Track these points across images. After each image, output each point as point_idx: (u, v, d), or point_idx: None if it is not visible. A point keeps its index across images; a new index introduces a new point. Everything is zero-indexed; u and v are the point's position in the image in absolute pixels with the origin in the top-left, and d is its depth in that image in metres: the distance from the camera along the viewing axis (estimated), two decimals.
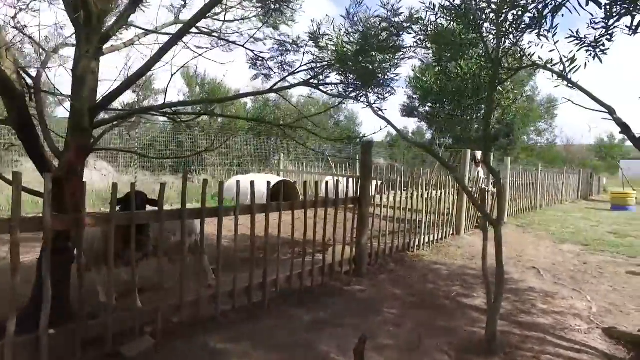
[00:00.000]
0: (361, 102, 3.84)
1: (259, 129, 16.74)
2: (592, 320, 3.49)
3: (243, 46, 3.55)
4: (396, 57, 4.11)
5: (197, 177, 15.00)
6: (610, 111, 3.71)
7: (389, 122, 3.68)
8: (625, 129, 3.52)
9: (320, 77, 3.72)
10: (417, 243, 5.91)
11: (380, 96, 4.00)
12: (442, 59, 4.64)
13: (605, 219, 10.15)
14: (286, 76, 3.91)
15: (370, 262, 5.01)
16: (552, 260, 5.61)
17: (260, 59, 3.67)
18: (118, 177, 12.29)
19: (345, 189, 4.52)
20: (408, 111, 20.11)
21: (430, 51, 4.75)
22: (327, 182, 10.37)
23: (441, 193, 6.60)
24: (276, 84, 3.59)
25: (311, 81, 3.60)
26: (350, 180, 4.66)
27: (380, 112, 4.43)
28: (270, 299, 3.73)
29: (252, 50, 3.62)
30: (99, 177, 12.84)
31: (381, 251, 5.22)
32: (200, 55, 3.70)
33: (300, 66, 3.55)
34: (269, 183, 3.92)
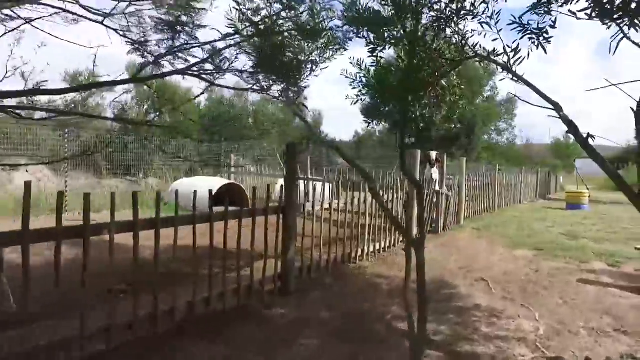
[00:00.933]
0: (270, 94, 3.23)
1: (213, 129, 15.91)
2: (538, 346, 3.04)
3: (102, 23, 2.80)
4: (319, 43, 3.58)
5: (144, 181, 14.01)
6: (557, 108, 3.30)
7: (302, 119, 3.10)
8: (571, 127, 3.13)
9: (223, 64, 3.08)
10: (359, 253, 5.38)
11: (295, 88, 3.44)
12: (377, 48, 4.10)
13: (560, 220, 10.08)
14: (193, 65, 3.25)
15: (302, 277, 4.43)
16: (503, 269, 5.22)
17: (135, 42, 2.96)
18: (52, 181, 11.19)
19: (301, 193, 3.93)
20: (369, 111, 19.76)
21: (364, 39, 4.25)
22: (282, 186, 9.72)
23: (392, 197, 6.13)
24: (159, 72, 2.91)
25: (205, 68, 2.94)
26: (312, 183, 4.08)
27: (298, 109, 3.86)
28: (166, 331, 3.07)
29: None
30: (35, 181, 11.69)
31: (316, 264, 4.64)
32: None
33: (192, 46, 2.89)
34: (210, 192, 3.54)
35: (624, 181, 2.67)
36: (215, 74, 2.95)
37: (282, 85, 3.64)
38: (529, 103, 3.87)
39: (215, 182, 9.67)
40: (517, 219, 9.96)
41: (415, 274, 2.58)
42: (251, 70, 3.09)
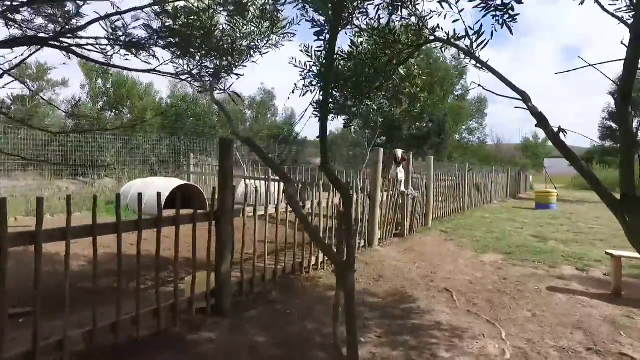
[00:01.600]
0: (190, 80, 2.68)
1: (175, 127, 15.04)
2: None
3: None
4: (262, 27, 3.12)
5: (98, 182, 13.06)
6: (525, 98, 2.88)
7: (222, 108, 2.56)
8: (540, 119, 2.72)
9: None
10: (313, 262, 4.86)
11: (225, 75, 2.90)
12: (323, 31, 3.59)
13: (530, 220, 9.91)
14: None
15: (242, 293, 3.87)
16: (470, 277, 4.83)
17: None
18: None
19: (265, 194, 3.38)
20: (339, 108, 19.33)
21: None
22: (246, 186, 9.16)
23: (355, 197, 5.64)
24: None
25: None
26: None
27: (234, 98, 3.33)
28: None
29: None
30: None
31: (260, 277, 4.09)
32: None
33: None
34: (159, 194, 3.13)
35: (596, 179, 2.28)
36: (109, 49, 2.34)
37: (206, 70, 3.08)
38: (494, 93, 3.42)
39: (170, 184, 8.95)
40: (486, 220, 9.72)
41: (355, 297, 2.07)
42: (161, 45, 2.50)
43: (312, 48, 3.97)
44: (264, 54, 3.94)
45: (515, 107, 3.06)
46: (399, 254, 5.87)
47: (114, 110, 14.76)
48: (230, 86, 3.42)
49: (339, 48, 4.15)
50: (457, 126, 16.58)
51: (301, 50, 4.14)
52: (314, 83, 4.17)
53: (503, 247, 6.47)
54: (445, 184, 9.72)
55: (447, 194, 9.94)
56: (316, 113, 4.38)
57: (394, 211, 6.76)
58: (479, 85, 3.56)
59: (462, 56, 3.68)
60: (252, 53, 3.66)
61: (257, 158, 13.71)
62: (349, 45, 3.95)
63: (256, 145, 2.50)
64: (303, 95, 4.20)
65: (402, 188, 7.01)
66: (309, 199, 5.25)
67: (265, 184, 8.63)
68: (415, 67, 4.39)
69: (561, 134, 2.76)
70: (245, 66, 3.64)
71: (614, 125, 18.11)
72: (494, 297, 4.14)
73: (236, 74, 3.59)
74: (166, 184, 8.98)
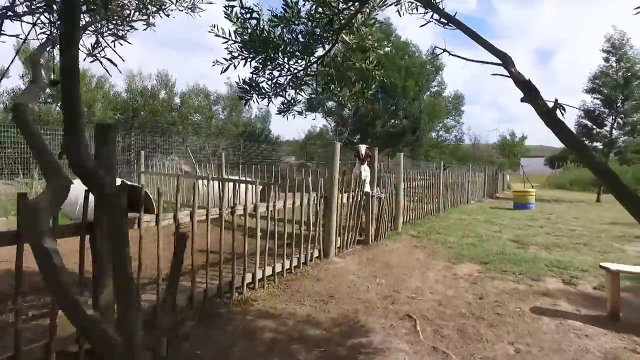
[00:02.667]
0: None
1: (130, 123, 13.81)
2: None
3: None
4: None
5: (36, 183, 11.74)
6: (506, 62, 2.09)
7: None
8: (526, 89, 1.94)
9: None
10: (249, 280, 3.95)
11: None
12: None
13: (508, 222, 9.28)
14: None
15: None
16: (440, 297, 4.01)
17: None
18: None
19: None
20: (313, 106, 18.49)
21: None
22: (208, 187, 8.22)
23: (307, 199, 4.79)
24: None
25: None
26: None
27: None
28: None
29: None
30: None
31: (177, 302, 3.15)
32: None
33: None
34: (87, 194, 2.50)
35: (614, 177, 1.67)
36: None
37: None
38: (466, 59, 2.65)
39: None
40: (463, 222, 9.02)
41: None
42: None
43: (235, 11, 3.09)
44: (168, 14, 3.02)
45: (494, 75, 2.25)
46: (359, 266, 5.01)
47: (59, 104, 13.39)
48: (101, 49, 2.48)
49: (271, 11, 3.27)
50: (433, 123, 15.94)
51: (226, 16, 3.24)
52: (235, 55, 3.29)
53: (480, 255, 5.71)
54: (419, 184, 8.96)
55: (421, 194, 9.19)
56: (242, 94, 3.48)
57: (357, 215, 5.91)
58: (444, 50, 2.73)
59: (438, 51, 2.86)
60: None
61: (227, 158, 12.64)
62: (282, 8, 3.08)
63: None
64: (225, 70, 3.30)
65: (367, 188, 6.17)
66: (272, 200, 4.40)
67: (219, 184, 7.71)
68: (370, 36, 3.54)
69: (558, 111, 1.95)
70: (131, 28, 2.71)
71: (589, 124, 17.85)
72: (467, 325, 3.32)
73: (117, 35, 2.65)
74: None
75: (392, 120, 15.69)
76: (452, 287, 4.30)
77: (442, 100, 16.92)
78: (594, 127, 18.10)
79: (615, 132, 17.66)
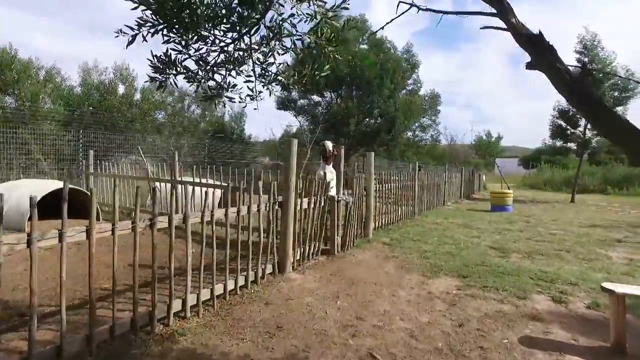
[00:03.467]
0: None
1: (84, 120, 12.65)
2: None
3: None
4: None
5: None
6: (504, 11, 1.29)
7: None
8: (532, 45, 1.15)
9: None
10: (179, 307, 3.16)
11: None
12: None
13: (486, 225, 8.76)
14: None
15: None
16: (412, 325, 3.32)
17: None
18: None
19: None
20: (283, 103, 17.69)
21: None
22: (156, 190, 7.33)
23: (257, 206, 4.02)
24: None
25: None
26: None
27: None
28: None
29: None
30: None
31: (53, 350, 2.34)
32: None
33: None
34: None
35: None
36: None
37: None
38: (445, 13, 1.77)
39: (43, 189, 6.87)
40: (439, 227, 8.43)
41: None
42: None
43: None
44: None
45: (484, 28, 1.54)
46: (319, 283, 4.28)
47: None
48: None
49: None
50: (409, 122, 15.41)
51: None
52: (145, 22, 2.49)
53: (458, 266, 5.08)
54: (392, 186, 8.32)
55: (395, 196, 8.56)
56: (154, 75, 2.70)
57: (321, 222, 5.19)
58: (412, 4, 2.03)
59: (404, 7, 2.18)
60: None
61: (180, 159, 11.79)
62: None
63: None
64: (129, 44, 2.50)
65: (332, 192, 5.45)
66: (244, 204, 3.63)
67: (171, 187, 6.87)
68: (320, 3, 2.80)
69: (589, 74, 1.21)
70: None
71: (563, 124, 17.76)
72: None
73: None
74: (39, 188, 6.89)
75: (367, 119, 15.07)
76: (426, 311, 3.62)
77: (418, 99, 16.43)
78: (568, 127, 18.06)
79: (588, 133, 17.63)
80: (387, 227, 7.79)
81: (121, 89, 14.33)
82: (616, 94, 17.21)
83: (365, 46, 16.63)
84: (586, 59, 17.89)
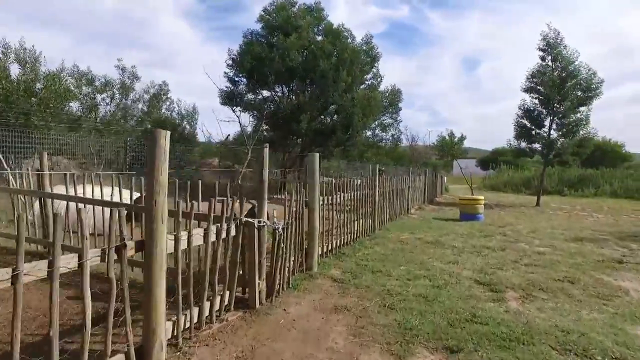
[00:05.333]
0: None
1: None
2: None
3: None
4: None
5: None
6: None
7: None
8: None
9: None
10: None
11: None
12: None
13: (461, 242, 7.25)
14: None
15: None
16: None
17: None
18: None
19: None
20: (228, 97, 15.54)
21: None
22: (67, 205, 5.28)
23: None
24: None
25: None
26: None
27: None
28: None
29: None
30: None
31: None
32: None
33: None
34: None
35: None
36: None
37: None
38: None
39: None
40: (405, 247, 6.78)
41: None
42: None
43: None
44: None
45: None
46: None
47: None
48: None
49: None
50: (368, 119, 13.83)
51: None
52: None
53: (440, 326, 3.36)
54: (347, 196, 6.55)
55: (352, 206, 6.82)
56: None
57: (232, 260, 3.30)
58: None
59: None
60: None
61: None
62: None
63: None
64: None
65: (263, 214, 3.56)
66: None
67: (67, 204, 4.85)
68: None
69: None
70: None
71: (528, 124, 16.92)
72: None
73: None
74: None
75: (322, 116, 13.30)
76: None
77: (378, 94, 14.89)
78: (533, 127, 17.24)
79: (554, 134, 16.89)
80: (340, 251, 6.01)
81: (19, 74, 11.61)
82: (579, 93, 16.57)
83: (320, 37, 14.91)
84: (549, 57, 17.20)
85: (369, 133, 17.79)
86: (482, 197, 10.65)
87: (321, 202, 5.18)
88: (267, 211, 3.75)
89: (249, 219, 3.41)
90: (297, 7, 16.13)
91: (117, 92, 15.05)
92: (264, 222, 3.54)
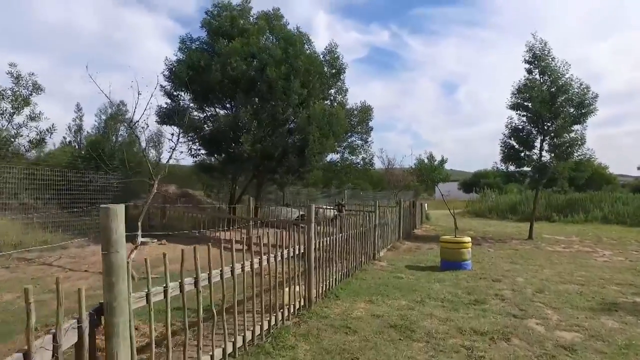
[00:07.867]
0: None
1: None
2: None
3: None
4: None
5: None
6: None
7: None
8: None
9: None
10: None
11: None
12: None
13: (438, 323, 4.78)
14: None
15: None
16: None
17: None
18: None
19: None
20: (166, 116, 12.95)
21: None
22: None
23: None
24: None
25: None
26: None
27: None
28: None
29: None
30: None
31: None
32: None
33: None
34: None
35: None
36: None
37: None
38: None
39: None
40: (347, 346, 4.23)
41: None
42: None
43: None
44: None
45: None
46: None
47: None
48: None
49: None
50: (329, 140, 11.37)
51: None
52: None
53: None
54: (281, 259, 4.00)
55: (291, 276, 4.28)
56: None
57: None
58: None
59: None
60: None
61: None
62: None
63: None
64: None
65: None
66: None
67: None
68: None
69: None
70: None
71: (516, 145, 14.81)
72: None
73: None
74: None
75: (269, 137, 10.80)
76: None
77: (342, 111, 12.51)
78: (522, 148, 15.18)
79: (546, 155, 14.85)
80: (279, 341, 3.42)
81: None
82: (572, 110, 14.67)
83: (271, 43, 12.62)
84: (537, 70, 15.40)
85: (335, 156, 15.39)
86: (468, 239, 8.23)
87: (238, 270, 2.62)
88: None
89: None
90: (250, 11, 13.96)
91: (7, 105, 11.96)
92: None
